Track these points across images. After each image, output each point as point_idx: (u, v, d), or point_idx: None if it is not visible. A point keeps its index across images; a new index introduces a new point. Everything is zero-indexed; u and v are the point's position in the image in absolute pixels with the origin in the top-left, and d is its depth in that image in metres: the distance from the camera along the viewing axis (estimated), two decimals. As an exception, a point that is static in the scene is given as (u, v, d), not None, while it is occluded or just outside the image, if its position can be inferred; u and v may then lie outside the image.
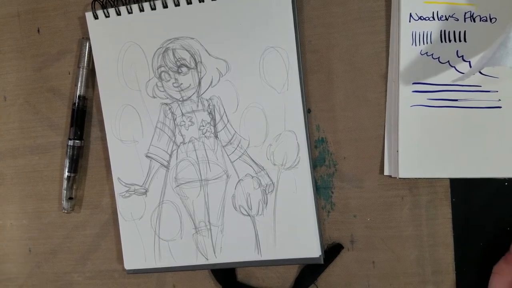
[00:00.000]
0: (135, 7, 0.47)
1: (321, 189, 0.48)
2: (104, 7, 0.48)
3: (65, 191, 0.50)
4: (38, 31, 0.51)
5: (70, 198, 0.51)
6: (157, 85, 0.48)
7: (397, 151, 0.45)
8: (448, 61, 0.44)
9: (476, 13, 0.43)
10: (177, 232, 0.49)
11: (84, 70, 0.49)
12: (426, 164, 0.44)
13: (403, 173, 0.45)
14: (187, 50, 0.47)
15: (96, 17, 0.48)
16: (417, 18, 0.44)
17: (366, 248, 0.47)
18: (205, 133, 0.47)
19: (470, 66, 0.43)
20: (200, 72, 0.47)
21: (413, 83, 0.44)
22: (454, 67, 0.44)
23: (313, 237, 0.46)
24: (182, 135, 0.48)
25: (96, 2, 0.48)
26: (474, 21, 0.43)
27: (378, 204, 0.47)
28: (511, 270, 0.42)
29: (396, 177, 0.45)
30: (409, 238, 0.46)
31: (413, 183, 0.46)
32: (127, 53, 0.48)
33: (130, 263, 0.50)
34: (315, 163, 0.47)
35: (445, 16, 0.43)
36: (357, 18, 0.46)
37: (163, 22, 0.47)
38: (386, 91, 0.46)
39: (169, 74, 0.48)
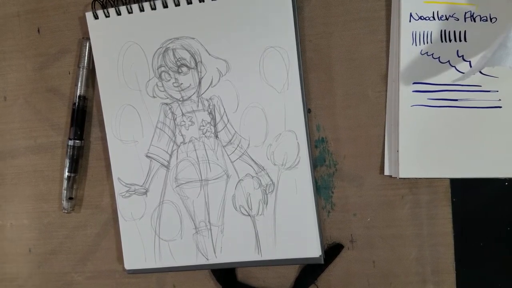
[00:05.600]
0: (135, 7, 0.47)
1: (321, 189, 0.48)
2: (104, 7, 0.48)
3: (65, 191, 0.50)
4: (38, 31, 0.51)
5: (70, 198, 0.51)
6: (157, 85, 0.48)
7: (397, 151, 0.45)
8: (448, 61, 0.44)
9: (476, 13, 0.43)
10: (177, 232, 0.49)
11: (84, 70, 0.49)
12: (426, 164, 0.44)
13: (403, 173, 0.45)
14: (187, 50, 0.47)
15: (96, 17, 0.48)
16: (417, 18, 0.44)
17: (366, 248, 0.47)
18: (205, 133, 0.47)
19: (470, 66, 0.43)
20: (200, 72, 0.47)
21: (413, 83, 0.44)
22: (455, 67, 0.44)
23: (313, 237, 0.46)
24: (182, 135, 0.48)
25: (96, 2, 0.48)
26: (474, 21, 0.43)
27: (378, 203, 0.47)
28: None
29: (396, 177, 0.45)
30: (409, 238, 0.46)
31: (413, 183, 0.46)
32: (127, 53, 0.48)
33: (130, 263, 0.50)
34: (315, 163, 0.47)
35: (445, 16, 0.43)
36: (357, 18, 0.46)
37: (163, 22, 0.47)
38: (386, 90, 0.46)
39: (169, 74, 0.48)
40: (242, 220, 0.47)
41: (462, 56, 0.43)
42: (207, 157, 0.48)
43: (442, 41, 0.44)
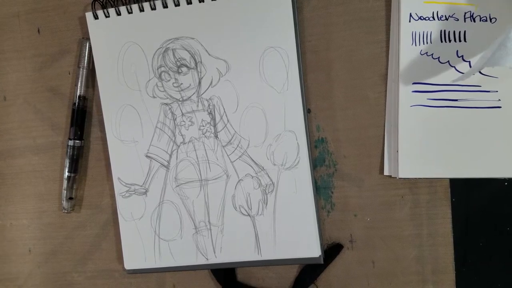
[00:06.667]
0: (135, 7, 0.47)
1: (321, 189, 0.48)
2: (104, 7, 0.48)
3: (65, 191, 0.50)
4: (38, 31, 0.51)
5: (70, 198, 0.51)
6: (157, 85, 0.48)
7: (397, 151, 0.45)
8: (448, 61, 0.44)
9: (476, 13, 0.43)
10: (177, 232, 0.49)
11: (84, 70, 0.49)
12: (426, 164, 0.44)
13: (403, 173, 0.45)
14: (187, 50, 0.47)
15: (96, 17, 0.48)
16: (417, 18, 0.44)
17: (366, 248, 0.47)
18: (205, 133, 0.47)
19: (470, 66, 0.43)
20: (200, 72, 0.47)
21: (413, 83, 0.44)
22: (454, 67, 0.44)
23: (313, 237, 0.46)
24: (182, 135, 0.48)
25: (96, 2, 0.48)
26: (474, 21, 0.43)
27: (378, 203, 0.47)
28: None
29: (396, 177, 0.45)
30: (409, 238, 0.46)
31: (413, 183, 0.46)
32: (127, 53, 0.48)
33: (130, 263, 0.50)
34: (315, 163, 0.47)
35: (445, 16, 0.43)
36: (357, 18, 0.46)
37: (163, 22, 0.47)
38: (386, 91, 0.46)
39: (169, 74, 0.48)
40: (242, 220, 0.47)
41: (462, 56, 0.43)
42: (207, 157, 0.48)
43: (442, 41, 0.44)
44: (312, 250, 0.46)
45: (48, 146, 0.52)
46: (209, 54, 0.47)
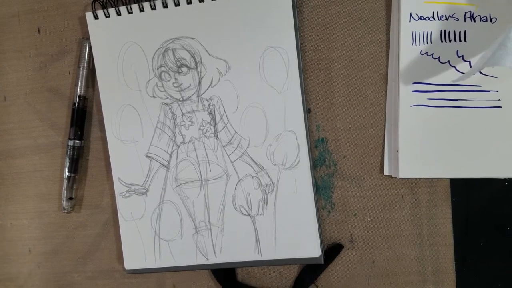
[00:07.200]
0: (135, 7, 0.47)
1: (321, 189, 0.48)
2: (104, 7, 0.48)
3: (65, 191, 0.50)
4: (38, 31, 0.51)
5: (70, 198, 0.51)
6: (157, 85, 0.48)
7: (397, 151, 0.45)
8: (448, 61, 0.44)
9: (476, 13, 0.43)
10: (177, 232, 0.49)
11: (84, 70, 0.49)
12: (426, 164, 0.44)
13: (403, 173, 0.45)
14: (187, 50, 0.47)
15: (96, 17, 0.48)
16: (417, 18, 0.44)
17: (366, 248, 0.47)
18: (205, 133, 0.47)
19: (470, 66, 0.43)
20: (200, 72, 0.47)
21: (413, 83, 0.44)
22: (454, 67, 0.44)
23: (313, 237, 0.46)
24: (182, 135, 0.48)
25: (96, 2, 0.48)
26: (474, 21, 0.43)
27: (378, 203, 0.47)
28: None
29: (396, 177, 0.45)
30: (409, 238, 0.46)
31: (413, 183, 0.46)
32: (127, 53, 0.48)
33: (130, 263, 0.50)
34: (315, 163, 0.47)
35: (445, 16, 0.43)
36: (357, 18, 0.46)
37: (163, 22, 0.47)
38: (386, 90, 0.46)
39: (169, 74, 0.48)
40: (242, 220, 0.47)
41: (462, 56, 0.43)
42: (207, 157, 0.48)
43: (442, 41, 0.44)
44: (312, 250, 0.46)
45: (48, 146, 0.52)
46: (209, 54, 0.47)
